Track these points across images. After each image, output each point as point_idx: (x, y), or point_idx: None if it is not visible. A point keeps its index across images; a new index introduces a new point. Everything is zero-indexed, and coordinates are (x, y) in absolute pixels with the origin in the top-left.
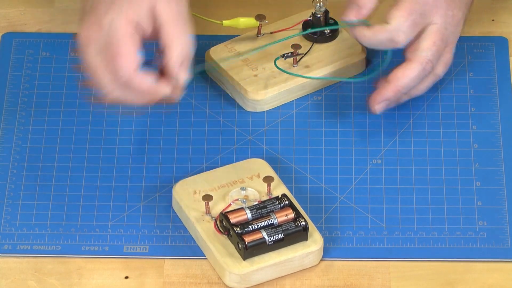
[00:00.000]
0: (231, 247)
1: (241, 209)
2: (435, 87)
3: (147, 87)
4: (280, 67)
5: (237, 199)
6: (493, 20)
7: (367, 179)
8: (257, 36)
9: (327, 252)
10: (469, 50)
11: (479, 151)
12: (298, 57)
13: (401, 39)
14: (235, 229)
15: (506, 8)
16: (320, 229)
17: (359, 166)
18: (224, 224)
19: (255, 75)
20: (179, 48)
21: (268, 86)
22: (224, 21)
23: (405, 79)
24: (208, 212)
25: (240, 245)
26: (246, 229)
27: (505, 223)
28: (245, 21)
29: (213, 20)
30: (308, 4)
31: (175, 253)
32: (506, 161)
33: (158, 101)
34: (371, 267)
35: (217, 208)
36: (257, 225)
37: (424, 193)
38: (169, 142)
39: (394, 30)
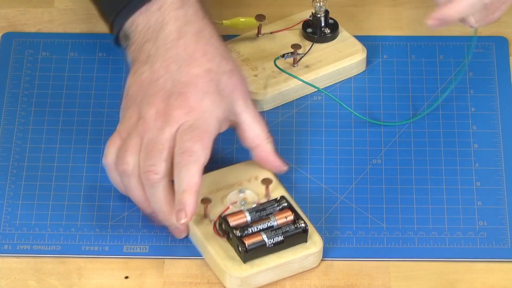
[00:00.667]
0: (231, 249)
1: (240, 211)
2: (435, 88)
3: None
4: (280, 67)
5: (236, 202)
6: None
7: (367, 179)
8: (257, 36)
9: (327, 252)
10: (470, 49)
11: (479, 151)
12: (298, 57)
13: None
14: (234, 232)
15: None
16: (320, 229)
17: (359, 166)
18: (223, 227)
19: (255, 75)
20: (270, 141)
21: (268, 86)
22: (224, 21)
23: (464, 3)
24: (207, 215)
25: (240, 248)
26: (246, 231)
27: (505, 223)
28: (245, 21)
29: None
30: (308, 4)
31: (175, 253)
32: (506, 161)
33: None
34: (371, 267)
35: (216, 210)
36: (257, 228)
37: (424, 193)
38: None
39: None
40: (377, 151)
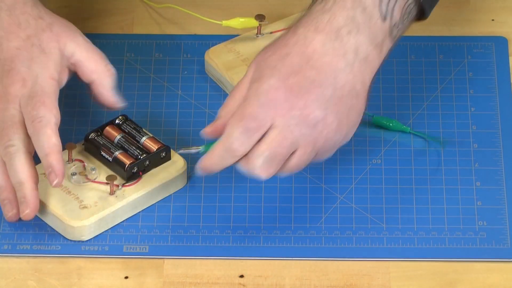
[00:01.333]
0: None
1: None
2: (434, 88)
3: (52, 143)
4: None
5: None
6: (492, 20)
7: (367, 179)
8: (257, 36)
9: (327, 252)
10: (469, 50)
11: (479, 151)
12: None
13: (237, 147)
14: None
15: (505, 8)
16: (319, 229)
17: (359, 166)
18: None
19: None
20: (108, 75)
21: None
22: (223, 21)
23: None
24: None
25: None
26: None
27: (505, 223)
28: (245, 21)
29: (212, 20)
30: (307, 4)
31: (174, 253)
32: (506, 161)
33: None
34: (371, 267)
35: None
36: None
37: (424, 193)
38: (169, 142)
39: (227, 138)
40: (377, 151)
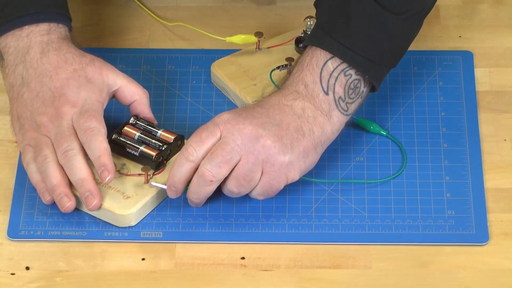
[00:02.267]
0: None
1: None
2: (409, 95)
3: (103, 147)
4: (274, 79)
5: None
6: (460, 36)
7: (351, 174)
8: (256, 51)
9: (317, 237)
10: (440, 62)
11: (448, 150)
12: (292, 68)
13: (190, 151)
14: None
15: (471, 26)
16: (310, 218)
17: (344, 163)
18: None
19: (254, 84)
20: (146, 96)
21: (265, 94)
22: (227, 38)
23: (172, 177)
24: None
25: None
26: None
27: (470, 212)
28: (245, 38)
29: (217, 37)
30: (300, 23)
31: (185, 238)
32: (471, 159)
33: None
34: (355, 250)
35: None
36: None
37: (401, 186)
38: None
39: (184, 148)
40: (359, 150)
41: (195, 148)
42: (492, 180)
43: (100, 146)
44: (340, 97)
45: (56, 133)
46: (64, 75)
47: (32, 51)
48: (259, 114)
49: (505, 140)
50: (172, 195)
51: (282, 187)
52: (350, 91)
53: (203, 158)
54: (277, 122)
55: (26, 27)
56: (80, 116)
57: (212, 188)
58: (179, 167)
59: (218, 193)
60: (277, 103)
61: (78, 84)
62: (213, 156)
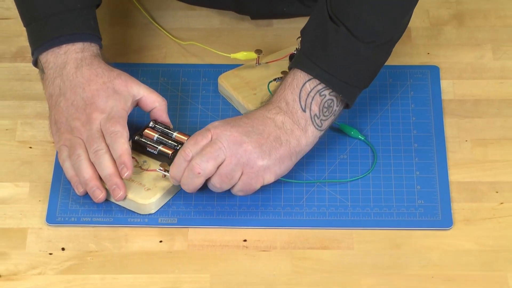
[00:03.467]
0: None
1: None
2: (386, 103)
3: (125, 149)
4: (271, 89)
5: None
6: (428, 53)
7: (336, 169)
8: (256, 65)
9: (307, 223)
10: (411, 75)
11: (418, 149)
12: None
13: (187, 152)
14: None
15: (438, 45)
16: (302, 206)
17: (330, 160)
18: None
19: (255, 94)
20: (165, 103)
21: (263, 102)
22: (231, 54)
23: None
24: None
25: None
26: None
27: (436, 202)
28: (247, 54)
29: (223, 54)
30: (293, 42)
31: (196, 223)
32: (438, 156)
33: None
34: (339, 234)
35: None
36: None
37: (378, 180)
38: None
39: (182, 149)
40: (344, 149)
41: (191, 149)
42: (455, 175)
43: (121, 147)
44: (315, 114)
45: (87, 135)
46: (95, 87)
47: (68, 66)
48: (244, 124)
49: (466, 141)
50: (175, 184)
51: (258, 187)
52: (325, 110)
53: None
54: (259, 132)
55: (64, 46)
56: (107, 121)
57: (200, 180)
58: (178, 166)
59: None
60: (261, 116)
61: (106, 94)
62: (202, 153)
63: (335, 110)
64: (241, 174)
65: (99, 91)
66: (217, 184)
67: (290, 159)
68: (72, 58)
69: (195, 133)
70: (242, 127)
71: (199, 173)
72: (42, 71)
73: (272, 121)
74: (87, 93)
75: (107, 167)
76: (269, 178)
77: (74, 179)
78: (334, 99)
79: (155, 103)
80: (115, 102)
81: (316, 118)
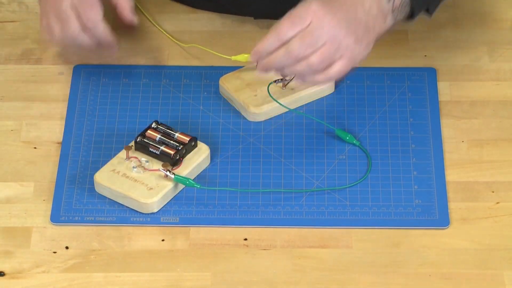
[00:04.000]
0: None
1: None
2: (383, 104)
3: (106, 34)
4: (271, 91)
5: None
6: (425, 55)
7: (335, 169)
8: (256, 67)
9: (307, 222)
10: (408, 77)
11: (415, 150)
12: (286, 82)
13: (284, 30)
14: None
15: (435, 47)
16: (301, 205)
17: (329, 160)
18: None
19: (255, 95)
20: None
21: (264, 103)
22: (232, 57)
23: (262, 45)
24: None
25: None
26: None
27: (434, 201)
28: (248, 56)
29: (224, 56)
30: None
31: (198, 222)
32: (435, 156)
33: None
34: (338, 232)
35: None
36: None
37: (376, 180)
38: None
39: (276, 26)
40: (342, 149)
41: (288, 30)
42: (452, 175)
43: (103, 34)
44: (395, 7)
45: (56, 8)
46: None
47: None
48: (340, 7)
49: (462, 141)
50: (253, 59)
51: (349, 69)
52: (401, 7)
53: (290, 39)
54: (353, 17)
55: None
56: (78, 3)
57: (289, 62)
58: (269, 44)
59: (224, 185)
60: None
61: None
62: (303, 39)
63: (406, 12)
64: (339, 58)
65: None
66: (318, 64)
67: (372, 44)
68: None
69: (291, 11)
70: (339, 11)
71: (296, 58)
72: None
73: (361, 6)
74: None
75: (86, 42)
76: (359, 61)
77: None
78: (409, 4)
79: None
80: None
81: (395, 10)
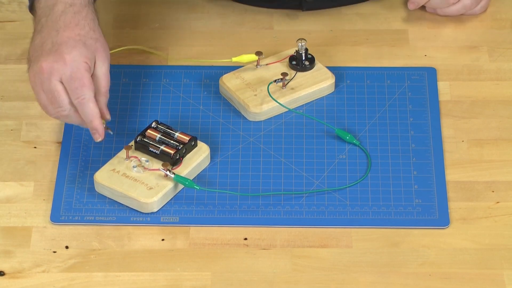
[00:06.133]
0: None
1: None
2: (384, 104)
3: (94, 114)
4: (271, 91)
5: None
6: (425, 55)
7: (335, 169)
8: (257, 67)
9: (307, 221)
10: (408, 76)
11: (415, 149)
12: (286, 82)
13: None
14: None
15: (435, 47)
16: (301, 205)
17: (329, 160)
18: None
19: (255, 95)
20: (106, 98)
21: (264, 103)
22: (232, 58)
23: None
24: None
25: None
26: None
27: (434, 201)
28: (248, 57)
29: (224, 60)
30: (293, 44)
31: (198, 222)
32: (435, 156)
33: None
34: (339, 232)
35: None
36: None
37: (376, 179)
38: None
39: None
40: (342, 149)
41: None
42: (452, 174)
43: (91, 112)
44: None
45: (46, 88)
46: (68, 34)
47: (56, 8)
48: None
49: (462, 141)
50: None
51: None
52: None
53: None
54: None
55: None
56: (71, 81)
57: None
58: None
59: (224, 185)
60: None
61: (74, 45)
62: None
63: None
64: None
65: (70, 39)
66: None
67: None
68: (62, 2)
69: None
70: None
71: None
72: (34, 13)
73: None
74: (58, 38)
75: (77, 121)
76: None
77: (43, 103)
78: None
79: (100, 88)
80: (80, 54)
81: None
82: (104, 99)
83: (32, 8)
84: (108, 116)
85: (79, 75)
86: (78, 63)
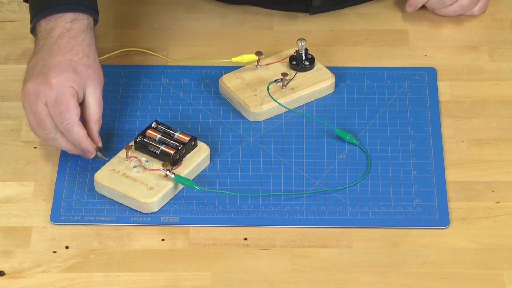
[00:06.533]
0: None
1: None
2: (384, 104)
3: (81, 136)
4: (271, 91)
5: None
6: (425, 55)
7: (335, 169)
8: (257, 67)
9: (307, 221)
10: (408, 76)
11: (415, 149)
12: (286, 82)
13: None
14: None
15: (434, 47)
16: (301, 205)
17: (329, 160)
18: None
19: (255, 95)
20: (98, 125)
21: (264, 103)
22: (233, 58)
23: None
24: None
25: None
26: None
27: (434, 201)
28: (248, 57)
29: (224, 60)
30: (293, 44)
31: (198, 222)
32: (435, 156)
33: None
34: (338, 232)
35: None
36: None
37: (376, 179)
38: None
39: None
40: (342, 149)
41: None
42: (452, 174)
43: (78, 135)
44: None
45: (33, 111)
46: (59, 59)
47: (54, 32)
48: None
49: (462, 141)
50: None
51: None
52: None
53: None
54: None
55: (57, 14)
56: (55, 106)
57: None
58: None
59: (224, 185)
60: None
61: (63, 69)
62: None
63: None
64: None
65: (60, 64)
66: (465, 7)
67: None
68: (60, 26)
69: None
70: None
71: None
72: (35, 35)
73: None
74: (49, 62)
75: (64, 145)
76: None
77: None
78: None
79: (88, 117)
80: (67, 79)
81: None
82: (96, 126)
83: (34, 30)
84: (100, 144)
85: (64, 99)
86: (64, 88)
